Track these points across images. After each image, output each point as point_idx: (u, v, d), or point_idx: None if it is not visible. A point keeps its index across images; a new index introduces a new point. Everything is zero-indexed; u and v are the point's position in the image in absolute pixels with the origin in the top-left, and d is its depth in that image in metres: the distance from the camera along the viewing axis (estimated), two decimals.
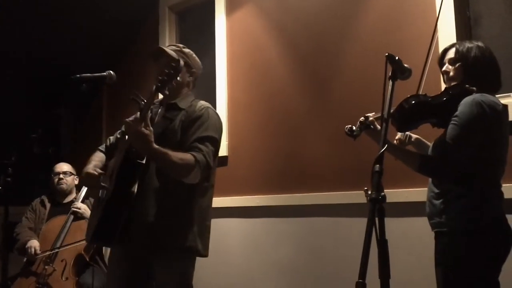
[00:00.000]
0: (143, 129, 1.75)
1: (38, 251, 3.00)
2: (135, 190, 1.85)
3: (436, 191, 1.79)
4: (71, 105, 4.63)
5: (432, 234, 1.82)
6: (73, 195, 3.39)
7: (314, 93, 2.95)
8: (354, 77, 2.77)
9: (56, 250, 3.01)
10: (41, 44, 4.10)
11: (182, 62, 1.88)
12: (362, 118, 1.84)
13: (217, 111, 3.39)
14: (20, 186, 2.85)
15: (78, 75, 1.93)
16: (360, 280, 1.22)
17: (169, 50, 2.07)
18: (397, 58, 1.59)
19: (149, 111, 1.83)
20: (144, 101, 1.84)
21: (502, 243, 1.72)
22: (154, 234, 1.89)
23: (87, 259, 3.06)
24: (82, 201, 3.23)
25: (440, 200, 1.76)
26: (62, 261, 2.99)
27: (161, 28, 3.93)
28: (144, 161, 1.88)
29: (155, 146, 1.79)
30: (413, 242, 2.39)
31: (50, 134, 4.49)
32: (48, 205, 3.36)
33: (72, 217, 3.14)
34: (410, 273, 2.35)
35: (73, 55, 4.19)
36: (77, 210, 3.15)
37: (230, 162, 3.33)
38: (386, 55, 1.58)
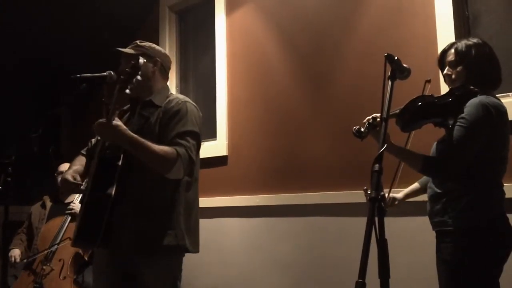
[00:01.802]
0: (114, 121, 1.76)
1: (18, 260, 3.11)
2: (113, 192, 1.82)
3: (438, 190, 1.80)
4: (71, 105, 4.63)
5: (433, 233, 1.83)
6: (76, 194, 3.40)
7: (314, 92, 2.95)
8: (354, 76, 2.77)
9: (50, 250, 3.03)
10: (40, 44, 4.10)
11: (141, 60, 1.85)
12: (370, 119, 1.83)
13: (217, 110, 3.43)
14: (20, 186, 2.86)
15: (78, 75, 1.93)
16: (360, 280, 1.23)
17: (125, 49, 2.06)
18: (396, 58, 1.60)
19: (117, 112, 1.83)
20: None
21: (504, 242, 1.73)
22: (137, 236, 1.86)
23: (86, 258, 3.07)
24: (80, 202, 3.24)
25: (442, 200, 1.77)
26: (59, 260, 3.01)
27: (161, 28, 3.94)
28: (120, 162, 1.85)
29: (132, 133, 1.78)
30: (413, 241, 2.39)
31: (50, 134, 4.50)
32: (49, 204, 3.38)
33: (69, 217, 3.16)
34: (410, 273, 2.35)
35: (73, 55, 4.20)
36: (71, 210, 3.17)
37: (230, 161, 3.34)
38: (385, 55, 1.59)
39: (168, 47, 3.86)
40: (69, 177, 1.97)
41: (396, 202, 2.06)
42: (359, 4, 2.79)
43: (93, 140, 2.22)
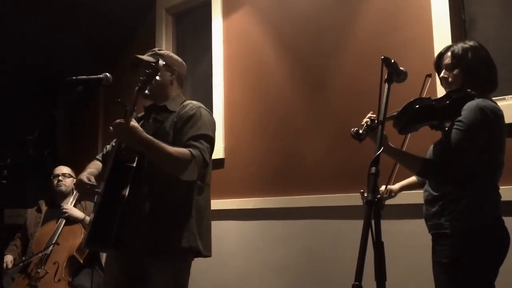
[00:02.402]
0: (131, 122, 1.77)
1: (10, 266, 3.10)
2: (126, 194, 1.83)
3: (434, 193, 1.80)
4: (67, 107, 4.62)
5: (429, 236, 1.83)
6: (70, 198, 3.39)
7: (311, 95, 2.95)
8: (351, 78, 2.77)
9: (44, 252, 3.02)
10: (37, 46, 4.10)
11: (161, 61, 1.88)
12: (368, 121, 1.84)
13: (214, 112, 3.43)
14: (16, 188, 2.85)
15: (74, 77, 1.93)
16: (357, 283, 1.22)
17: (145, 56, 2.08)
18: (392, 61, 1.60)
19: (134, 113, 1.84)
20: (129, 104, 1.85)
21: (500, 245, 1.73)
22: (148, 238, 1.87)
23: (81, 261, 3.06)
24: (74, 205, 3.24)
25: (439, 203, 1.77)
26: (54, 263, 3.00)
27: (158, 30, 3.93)
28: (134, 164, 1.86)
29: (147, 135, 1.80)
30: (409, 244, 2.39)
31: (46, 136, 4.48)
32: (44, 208, 3.37)
33: (64, 220, 3.15)
34: (406, 275, 2.35)
35: (70, 57, 4.19)
36: (65, 213, 3.15)
37: (226, 164, 3.33)
38: (382, 58, 1.59)
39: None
40: (84, 178, 1.97)
41: (393, 194, 2.05)
42: (356, 7, 2.80)
43: (108, 146, 2.23)
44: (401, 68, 1.61)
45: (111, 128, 1.83)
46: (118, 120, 1.82)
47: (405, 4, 2.60)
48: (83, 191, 2.01)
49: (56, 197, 3.41)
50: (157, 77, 1.85)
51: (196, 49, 3.88)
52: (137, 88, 1.84)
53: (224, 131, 3.36)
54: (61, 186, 3.37)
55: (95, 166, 2.13)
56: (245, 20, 3.36)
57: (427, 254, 1.83)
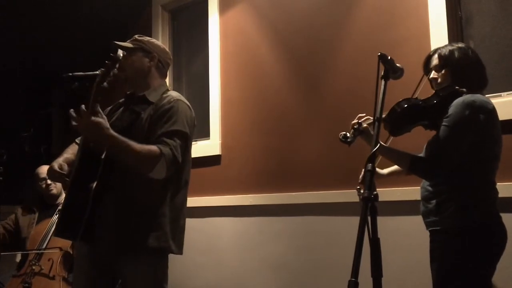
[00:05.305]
0: (94, 118, 1.69)
1: None
2: (93, 186, 1.76)
3: (431, 190, 1.80)
4: (63, 104, 4.61)
5: (426, 233, 1.84)
6: (63, 195, 3.35)
7: (308, 92, 2.95)
8: (347, 75, 2.77)
9: (35, 252, 3.01)
10: (32, 42, 4.08)
11: (120, 52, 1.81)
12: (355, 125, 1.84)
13: (210, 109, 3.42)
14: (12, 185, 2.84)
15: (70, 74, 1.92)
16: (353, 279, 1.23)
17: (123, 43, 2.02)
18: (389, 57, 1.60)
19: (97, 105, 1.77)
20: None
21: (497, 241, 1.74)
22: (120, 234, 1.81)
23: None
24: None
25: (436, 200, 1.78)
26: (48, 260, 2.98)
27: (154, 27, 3.92)
28: (102, 156, 1.80)
29: (112, 132, 1.71)
30: (406, 240, 2.40)
31: (41, 133, 4.46)
32: (37, 210, 3.34)
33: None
34: (402, 272, 2.36)
35: (65, 53, 4.17)
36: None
37: (223, 161, 3.33)
38: (379, 55, 1.59)
39: None
40: (55, 166, 1.92)
41: (386, 174, 2.06)
42: (352, 5, 2.79)
43: None
44: (397, 64, 1.62)
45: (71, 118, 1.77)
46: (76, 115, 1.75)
47: (401, 1, 2.60)
48: (53, 178, 1.97)
49: (47, 199, 3.34)
50: (115, 70, 1.79)
51: (192, 46, 3.87)
52: (96, 80, 1.77)
53: (221, 128, 3.36)
54: (52, 189, 3.23)
55: (72, 151, 2.06)
56: (242, 17, 3.35)
57: (424, 251, 1.83)
